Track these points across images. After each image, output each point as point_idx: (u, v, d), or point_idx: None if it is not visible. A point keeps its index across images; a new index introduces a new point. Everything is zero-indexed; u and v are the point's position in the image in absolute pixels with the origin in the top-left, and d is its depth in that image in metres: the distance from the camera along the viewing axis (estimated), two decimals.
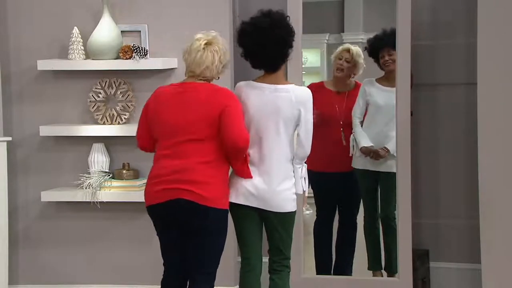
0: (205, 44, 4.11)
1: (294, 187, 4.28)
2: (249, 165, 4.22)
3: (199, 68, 4.11)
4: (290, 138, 4.26)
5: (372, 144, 5.25)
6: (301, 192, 4.33)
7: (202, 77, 4.13)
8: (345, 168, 5.35)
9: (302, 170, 4.31)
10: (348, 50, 5.34)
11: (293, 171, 4.28)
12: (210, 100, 4.06)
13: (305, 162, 4.33)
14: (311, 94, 4.26)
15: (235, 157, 4.13)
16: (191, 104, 4.08)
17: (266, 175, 4.22)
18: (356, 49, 5.32)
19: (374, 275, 5.36)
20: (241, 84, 4.33)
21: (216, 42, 4.13)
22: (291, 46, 4.23)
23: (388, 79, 5.26)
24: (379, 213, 5.34)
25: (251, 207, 4.24)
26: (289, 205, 4.26)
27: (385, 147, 5.24)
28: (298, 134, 4.25)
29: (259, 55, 4.21)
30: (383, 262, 5.36)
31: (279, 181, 4.22)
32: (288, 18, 4.27)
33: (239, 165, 4.18)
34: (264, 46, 4.17)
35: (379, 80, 5.32)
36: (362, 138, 5.27)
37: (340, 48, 5.37)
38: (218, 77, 4.20)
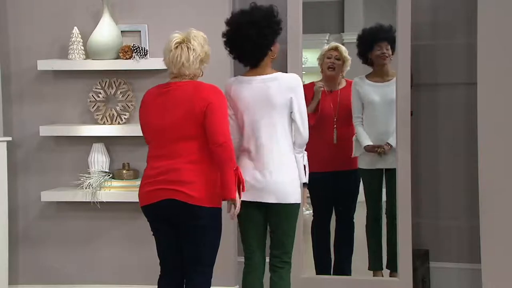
0: (177, 42, 4.11)
1: (297, 179, 4.26)
2: (245, 167, 4.21)
3: (175, 67, 4.11)
4: (285, 127, 4.25)
5: (371, 143, 5.27)
6: (304, 181, 4.31)
7: (183, 75, 4.11)
8: (340, 167, 5.36)
9: (304, 158, 4.30)
10: (336, 48, 5.36)
11: (295, 162, 4.27)
12: (193, 97, 4.05)
13: (305, 150, 4.32)
14: (300, 80, 4.28)
15: (220, 159, 4.05)
16: (175, 103, 4.08)
17: (266, 167, 4.21)
18: (342, 46, 5.35)
19: (374, 275, 5.36)
20: (230, 81, 4.35)
21: (192, 38, 4.11)
22: (268, 40, 4.20)
23: (379, 74, 5.28)
24: (383, 211, 5.32)
25: (255, 205, 4.24)
26: (291, 197, 4.24)
27: (387, 143, 5.24)
28: (294, 121, 4.24)
29: (235, 48, 4.24)
30: (383, 262, 5.35)
31: (279, 172, 4.21)
32: (277, 13, 4.24)
33: (228, 177, 4.05)
34: (238, 41, 4.20)
35: (370, 77, 5.33)
36: (364, 138, 5.28)
37: (326, 47, 5.39)
38: (202, 73, 4.19)
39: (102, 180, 5.20)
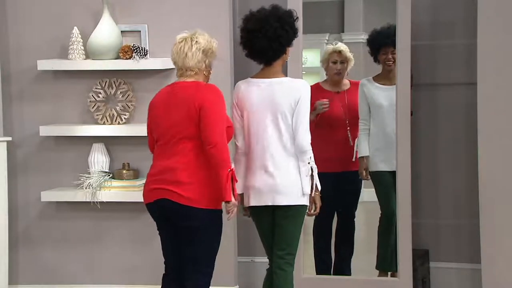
0: (183, 37, 4.15)
1: (300, 182, 4.25)
2: (251, 171, 4.20)
3: (179, 59, 4.13)
4: (291, 130, 4.23)
5: (368, 155, 5.27)
6: (307, 192, 4.28)
7: (187, 69, 4.12)
8: (343, 167, 5.35)
9: (311, 170, 4.26)
10: (340, 52, 5.34)
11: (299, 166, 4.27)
12: (192, 97, 4.06)
13: (309, 162, 4.29)
14: (307, 87, 4.27)
15: (213, 160, 4.03)
16: (176, 103, 4.10)
17: (272, 169, 4.21)
18: (344, 46, 5.34)
19: (380, 275, 5.34)
20: (239, 83, 4.36)
21: (198, 35, 4.15)
22: (283, 42, 4.22)
23: (388, 77, 5.27)
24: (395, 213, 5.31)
25: (264, 208, 4.24)
26: (298, 198, 4.24)
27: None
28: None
29: (250, 43, 4.23)
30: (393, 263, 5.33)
31: (286, 174, 4.21)
32: (295, 18, 4.28)
33: (221, 179, 4.02)
34: (255, 34, 4.20)
35: (378, 79, 5.31)
36: (362, 148, 5.28)
37: (328, 50, 5.35)
38: (208, 71, 4.19)
39: (102, 180, 5.20)
